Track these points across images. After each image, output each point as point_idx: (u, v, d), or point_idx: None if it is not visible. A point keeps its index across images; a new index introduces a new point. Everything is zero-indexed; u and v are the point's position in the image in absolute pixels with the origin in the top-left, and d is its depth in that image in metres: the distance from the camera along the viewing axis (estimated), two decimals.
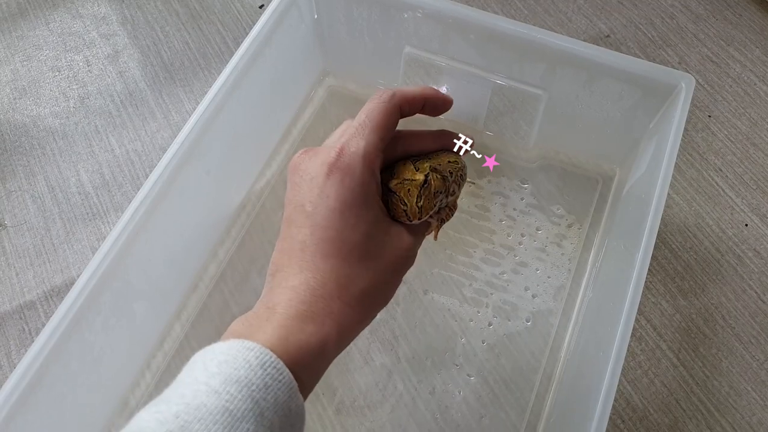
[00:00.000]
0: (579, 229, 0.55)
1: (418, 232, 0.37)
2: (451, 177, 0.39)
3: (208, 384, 0.25)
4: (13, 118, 0.62)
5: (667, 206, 0.57)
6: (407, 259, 0.35)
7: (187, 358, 0.49)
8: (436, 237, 0.43)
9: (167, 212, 0.44)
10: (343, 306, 0.31)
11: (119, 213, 0.57)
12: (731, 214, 0.56)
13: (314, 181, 0.33)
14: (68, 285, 0.53)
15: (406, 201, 0.35)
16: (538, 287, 0.53)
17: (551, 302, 0.52)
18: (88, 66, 0.66)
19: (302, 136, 0.60)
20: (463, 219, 0.56)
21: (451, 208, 0.42)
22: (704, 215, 0.56)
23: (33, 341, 0.49)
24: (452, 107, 0.56)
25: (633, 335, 0.51)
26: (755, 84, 0.63)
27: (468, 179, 0.43)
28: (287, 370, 0.27)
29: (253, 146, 0.57)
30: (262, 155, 0.58)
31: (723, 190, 0.58)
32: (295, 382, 0.27)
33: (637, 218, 0.45)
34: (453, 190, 0.39)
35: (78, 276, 0.53)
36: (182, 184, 0.45)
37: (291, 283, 0.31)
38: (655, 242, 0.55)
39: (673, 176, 0.58)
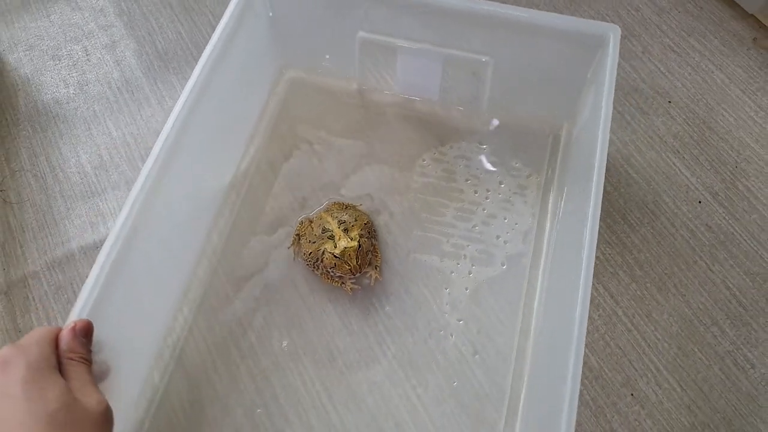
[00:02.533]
0: (537, 178, 0.61)
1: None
2: (369, 234, 0.55)
3: None
4: (17, 103, 0.66)
5: (627, 185, 0.61)
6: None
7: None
8: (380, 278, 0.55)
9: (169, 187, 0.48)
10: None
11: (116, 191, 0.61)
12: (686, 192, 0.60)
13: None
14: (68, 257, 0.57)
15: (349, 263, 0.51)
16: (508, 234, 0.58)
17: (521, 245, 0.57)
18: (87, 55, 0.70)
19: (271, 126, 0.64)
20: (433, 184, 0.61)
21: (375, 254, 0.55)
22: (661, 193, 0.60)
23: (37, 307, 0.54)
24: (408, 84, 0.63)
25: (591, 302, 0.55)
26: (713, 72, 0.67)
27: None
28: None
29: (229, 138, 0.61)
30: (239, 146, 0.62)
31: (680, 170, 0.62)
32: None
33: (585, 160, 0.50)
34: (373, 243, 0.55)
35: (78, 249, 0.57)
36: (174, 169, 0.48)
37: None
38: (615, 217, 0.60)
39: (634, 157, 0.62)
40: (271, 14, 0.60)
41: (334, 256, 0.52)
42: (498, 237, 0.58)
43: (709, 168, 0.62)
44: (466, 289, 0.56)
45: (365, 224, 0.55)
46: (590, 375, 0.52)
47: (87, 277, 0.56)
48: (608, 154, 0.62)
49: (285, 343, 0.53)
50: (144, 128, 0.65)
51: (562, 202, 0.57)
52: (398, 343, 0.53)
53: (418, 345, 0.53)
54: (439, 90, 0.62)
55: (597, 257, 0.57)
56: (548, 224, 0.58)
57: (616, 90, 0.66)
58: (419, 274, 0.56)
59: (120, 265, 0.43)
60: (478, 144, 0.63)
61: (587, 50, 0.53)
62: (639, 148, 0.63)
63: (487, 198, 0.60)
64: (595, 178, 0.45)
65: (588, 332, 0.54)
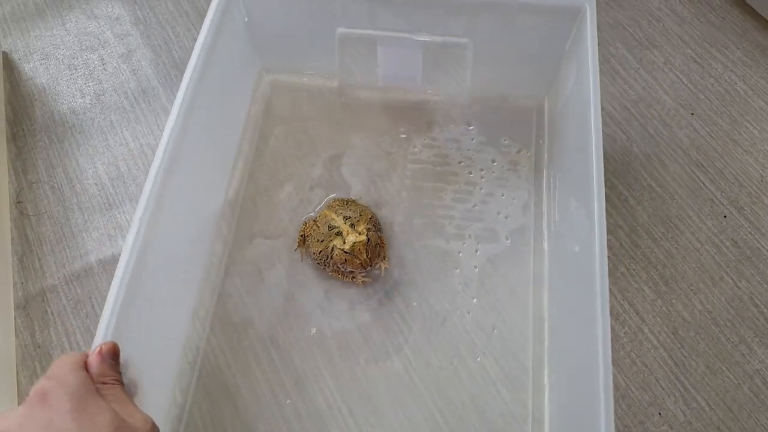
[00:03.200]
0: (528, 152, 0.63)
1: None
2: (375, 227, 0.56)
3: None
4: (33, 113, 0.65)
5: (651, 198, 0.60)
6: None
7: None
8: (388, 266, 0.56)
9: (173, 202, 0.48)
10: None
11: (134, 203, 0.60)
12: (711, 206, 0.60)
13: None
14: (87, 270, 0.57)
15: (359, 257, 0.52)
16: (507, 209, 0.60)
17: (522, 219, 0.59)
18: (103, 64, 0.69)
19: (258, 131, 0.64)
20: (427, 169, 0.62)
21: (382, 246, 0.56)
22: (686, 207, 0.60)
23: (56, 321, 0.53)
24: (391, 75, 0.64)
25: (616, 319, 0.55)
26: (736, 83, 0.66)
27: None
28: None
29: (220, 148, 0.60)
30: (231, 154, 0.61)
31: (704, 184, 0.61)
32: None
33: (577, 129, 0.51)
34: (379, 235, 0.56)
35: (96, 262, 0.57)
36: (174, 184, 0.48)
37: None
38: (639, 232, 0.59)
39: (657, 170, 0.62)
40: (246, 19, 0.60)
41: (344, 251, 0.52)
42: (498, 213, 0.59)
43: (733, 182, 0.61)
44: (476, 267, 0.57)
45: (370, 218, 0.56)
46: (616, 393, 0.52)
47: (105, 291, 0.56)
48: (631, 167, 0.62)
49: (304, 356, 0.53)
50: (161, 138, 0.64)
51: (557, 172, 0.58)
52: (417, 328, 0.54)
53: (437, 327, 0.54)
54: (421, 77, 0.63)
55: (621, 272, 0.57)
56: (545, 195, 0.60)
57: (637, 101, 0.66)
58: (428, 259, 0.57)
59: (135, 285, 0.42)
60: (465, 126, 0.64)
61: (564, 23, 0.55)
62: (662, 161, 0.62)
63: (482, 177, 0.61)
64: (594, 142, 0.46)
65: (614, 350, 0.53)
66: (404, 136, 0.63)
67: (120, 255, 0.57)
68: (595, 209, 0.44)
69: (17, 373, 0.52)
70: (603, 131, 0.53)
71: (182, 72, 0.68)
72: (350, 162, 0.62)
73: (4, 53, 0.69)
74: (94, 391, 0.34)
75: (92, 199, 0.60)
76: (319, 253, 0.54)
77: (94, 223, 0.59)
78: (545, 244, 0.57)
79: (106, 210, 0.60)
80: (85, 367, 0.36)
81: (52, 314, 0.55)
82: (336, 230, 0.54)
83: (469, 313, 0.54)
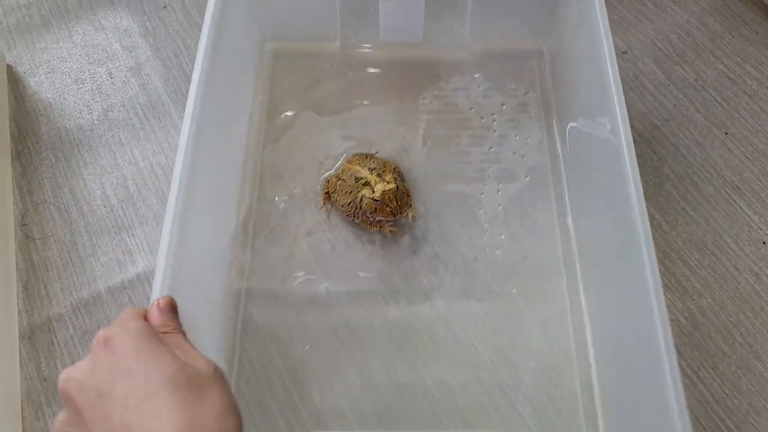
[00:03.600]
0: (535, 94, 0.64)
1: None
2: (400, 177, 0.57)
3: None
4: (38, 130, 0.63)
5: (685, 223, 0.57)
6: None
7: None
8: (414, 214, 0.56)
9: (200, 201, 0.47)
10: None
11: (144, 226, 0.58)
12: (749, 231, 0.57)
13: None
14: (95, 298, 0.54)
15: (389, 205, 0.53)
16: (523, 149, 0.61)
17: (538, 156, 0.61)
18: (111, 78, 0.67)
19: (267, 102, 0.64)
20: (440, 119, 0.63)
21: (408, 195, 0.56)
22: (722, 233, 0.57)
23: (63, 353, 0.51)
24: (393, 29, 0.64)
25: None
26: None
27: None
28: None
29: (231, 128, 0.59)
30: (242, 132, 0.61)
31: (740, 208, 0.58)
32: None
33: (587, 65, 0.54)
34: (405, 185, 0.57)
35: (105, 290, 0.54)
36: (199, 170, 0.47)
37: None
38: (673, 259, 0.56)
39: (690, 193, 0.59)
40: None
41: (374, 200, 0.53)
42: (514, 153, 0.61)
43: None
44: (499, 206, 0.58)
45: (394, 168, 0.57)
46: None
47: (114, 320, 0.53)
48: (663, 189, 0.59)
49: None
50: (172, 158, 0.61)
51: (568, 108, 0.60)
52: (450, 270, 0.55)
53: (470, 266, 0.55)
54: (423, 30, 0.64)
55: None
56: (556, 132, 0.61)
57: (668, 120, 0.63)
58: (452, 204, 0.58)
59: (184, 231, 0.43)
60: (471, 74, 0.65)
61: None
62: (695, 183, 0.59)
63: (494, 121, 0.63)
64: (610, 71, 0.48)
65: None
66: (412, 89, 0.64)
67: (130, 281, 0.55)
68: (620, 131, 0.45)
69: (22, 409, 0.49)
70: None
71: None
72: (362, 121, 0.63)
73: (9, 66, 0.67)
74: (156, 337, 0.35)
75: (100, 222, 0.58)
76: (348, 204, 0.55)
77: (103, 247, 0.56)
78: (564, 178, 0.59)
79: (115, 233, 0.57)
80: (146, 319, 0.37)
81: (59, 345, 0.52)
82: (363, 181, 0.55)
83: (498, 249, 0.56)
